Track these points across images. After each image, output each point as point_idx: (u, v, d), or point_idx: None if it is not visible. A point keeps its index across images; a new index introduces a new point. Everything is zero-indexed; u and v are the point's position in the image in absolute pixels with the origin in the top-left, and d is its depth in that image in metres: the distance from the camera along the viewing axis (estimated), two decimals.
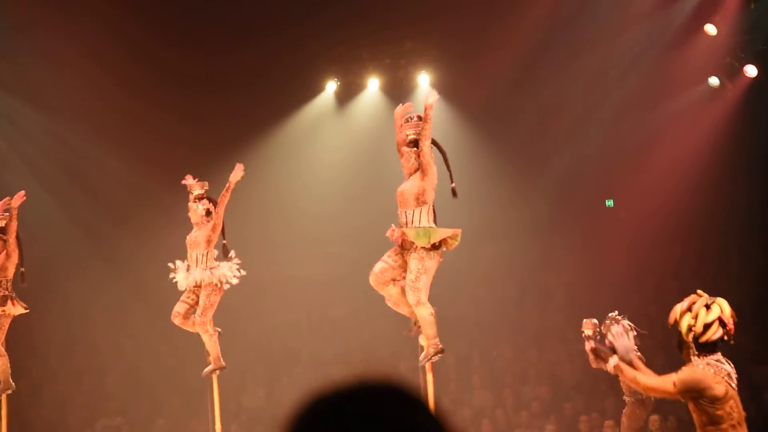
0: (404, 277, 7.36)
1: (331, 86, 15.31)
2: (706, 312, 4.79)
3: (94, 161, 14.27)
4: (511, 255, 14.68)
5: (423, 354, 7.50)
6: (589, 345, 4.84)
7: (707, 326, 4.77)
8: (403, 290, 7.45)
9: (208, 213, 8.74)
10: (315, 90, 15.32)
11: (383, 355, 13.57)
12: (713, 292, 5.11)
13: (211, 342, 8.70)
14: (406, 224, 7.25)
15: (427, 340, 7.38)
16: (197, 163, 12.97)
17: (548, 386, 12.26)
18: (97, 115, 13.78)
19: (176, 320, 8.72)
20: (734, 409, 4.67)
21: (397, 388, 1.79)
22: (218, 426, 8.75)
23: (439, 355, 7.41)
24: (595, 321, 9.07)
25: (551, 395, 12.19)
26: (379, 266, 7.54)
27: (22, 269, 8.72)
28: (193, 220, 8.78)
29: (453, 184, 7.28)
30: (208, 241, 8.68)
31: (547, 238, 14.70)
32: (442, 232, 7.18)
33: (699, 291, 4.95)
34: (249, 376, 13.67)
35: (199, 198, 8.77)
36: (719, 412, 4.64)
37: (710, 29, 12.34)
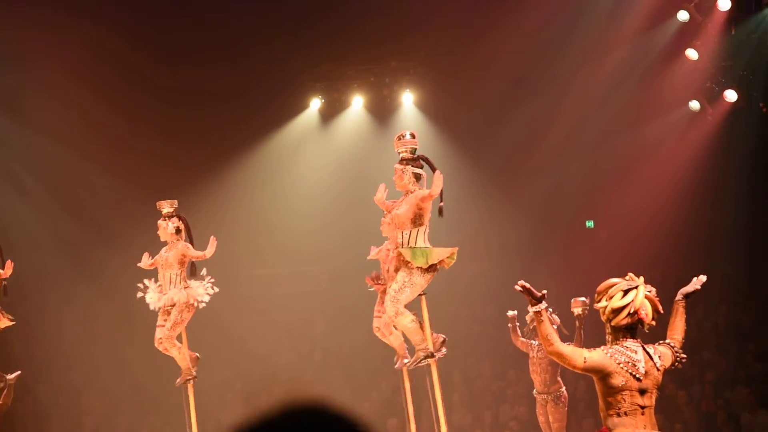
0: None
1: (316, 103, 15.34)
2: (621, 297, 4.84)
3: (78, 177, 14.23)
4: (492, 274, 14.72)
5: (413, 358, 7.51)
6: (521, 282, 4.85)
7: (616, 311, 4.83)
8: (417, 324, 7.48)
9: (178, 231, 8.75)
10: (299, 107, 15.35)
11: (363, 373, 13.57)
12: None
13: (180, 355, 8.76)
14: (402, 245, 7.26)
15: (416, 346, 7.40)
16: (181, 180, 13.01)
17: (526, 406, 12.28)
18: (82, 131, 13.75)
19: (161, 347, 8.74)
20: (625, 399, 4.75)
21: (322, 410, 1.82)
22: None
23: (429, 359, 7.41)
24: (584, 299, 9.12)
25: (529, 415, 12.20)
26: (376, 323, 7.78)
27: (5, 282, 8.69)
28: (162, 238, 8.77)
29: (441, 203, 7.31)
30: (181, 262, 8.70)
31: (528, 257, 14.76)
32: (440, 253, 7.20)
33: (630, 274, 4.99)
34: (228, 392, 13.62)
35: (169, 216, 8.76)
36: (610, 399, 4.78)
37: (691, 54, 12.48)
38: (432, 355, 7.40)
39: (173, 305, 8.62)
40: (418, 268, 7.19)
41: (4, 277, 8.65)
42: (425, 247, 7.20)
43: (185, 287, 8.67)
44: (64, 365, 13.94)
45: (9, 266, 8.70)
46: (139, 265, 8.81)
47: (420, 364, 7.49)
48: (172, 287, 8.64)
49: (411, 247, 7.20)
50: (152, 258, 8.80)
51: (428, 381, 7.62)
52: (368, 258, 8.34)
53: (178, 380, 8.86)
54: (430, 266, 7.23)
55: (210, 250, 8.69)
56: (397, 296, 7.24)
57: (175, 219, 8.77)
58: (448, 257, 7.24)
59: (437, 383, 7.52)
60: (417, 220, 7.22)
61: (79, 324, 14.25)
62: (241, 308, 14.76)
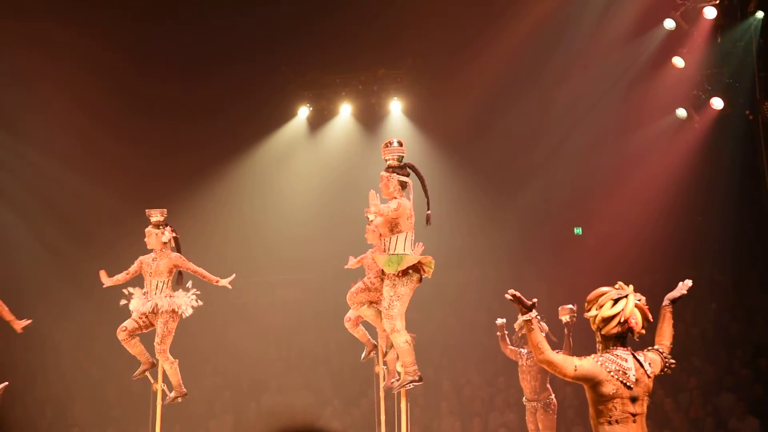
0: (381, 302, 7.36)
1: (304, 111, 15.35)
2: (611, 306, 4.87)
3: (67, 189, 14.19)
4: (481, 282, 14.74)
5: (399, 380, 7.46)
6: (512, 291, 4.85)
7: (606, 320, 4.85)
8: (379, 313, 7.47)
9: (170, 241, 8.78)
10: (288, 115, 15.36)
11: (352, 381, 13.54)
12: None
13: (171, 370, 8.74)
14: (385, 251, 7.26)
15: (404, 367, 7.33)
16: (170, 188, 12.99)
17: (515, 413, 12.28)
18: (69, 139, 13.73)
19: (121, 335, 8.65)
20: (616, 407, 4.77)
21: None
22: None
23: (415, 384, 7.34)
24: (571, 306, 9.13)
25: (518, 422, 12.20)
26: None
27: None
28: (151, 246, 8.73)
29: (429, 211, 7.28)
30: (170, 271, 8.71)
31: (517, 264, 14.79)
32: (410, 259, 7.15)
33: (620, 283, 5.01)
34: (217, 402, 13.57)
35: (159, 225, 8.74)
36: (601, 407, 4.79)
37: (678, 62, 12.54)
38: (420, 380, 7.34)
39: (155, 312, 8.62)
40: (398, 278, 7.15)
41: None
42: (399, 254, 7.15)
43: (169, 296, 8.68)
44: (52, 376, 13.88)
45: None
46: (107, 284, 8.70)
47: (406, 388, 7.43)
48: (157, 293, 8.64)
49: (387, 254, 7.19)
50: (111, 276, 8.73)
51: (395, 403, 7.60)
52: (345, 267, 8.36)
53: (170, 396, 8.79)
54: (412, 274, 7.19)
55: (225, 282, 8.77)
56: (390, 312, 7.18)
57: (169, 229, 8.76)
58: (424, 264, 7.20)
59: (405, 408, 7.47)
60: (394, 228, 7.19)
61: (67, 335, 14.20)
62: (229, 316, 14.73)
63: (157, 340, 8.62)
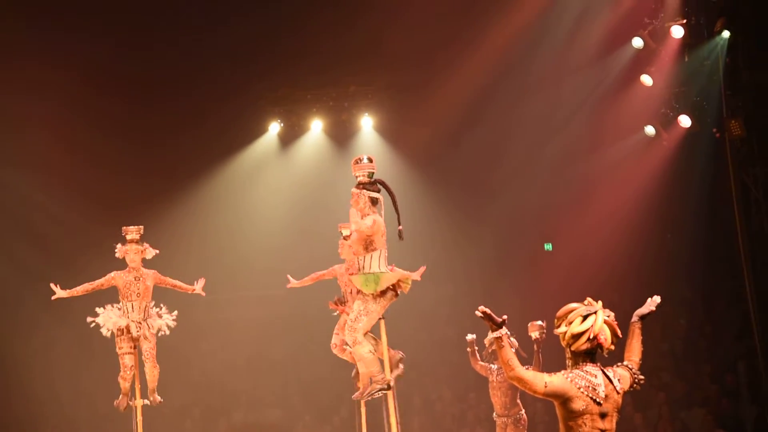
0: None
1: (275, 127, 15.34)
2: (580, 322, 4.89)
3: (35, 204, 14.05)
4: (453, 298, 14.77)
5: (367, 389, 7.44)
6: (482, 308, 4.85)
7: (575, 337, 4.88)
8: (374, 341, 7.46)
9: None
10: (258, 131, 15.34)
11: (325, 397, 13.50)
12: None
13: (155, 374, 8.77)
14: (359, 269, 7.23)
15: (372, 377, 7.32)
16: (141, 205, 12.89)
17: (486, 429, 12.29)
18: (41, 156, 13.63)
19: (130, 376, 8.68)
20: (586, 423, 4.80)
21: None
22: None
23: (384, 391, 7.33)
24: (540, 323, 9.16)
25: None
26: (334, 339, 7.84)
27: None
28: (131, 263, 8.67)
29: (400, 227, 7.28)
30: (152, 289, 8.73)
31: (489, 280, 14.83)
32: (389, 278, 7.13)
33: (589, 299, 5.05)
34: (187, 419, 13.47)
35: (135, 241, 8.69)
36: (570, 423, 4.81)
37: (646, 80, 12.67)
38: (388, 387, 7.34)
39: (142, 335, 8.62)
40: (371, 295, 7.17)
41: None
42: (377, 273, 7.14)
43: (157, 315, 8.73)
44: (23, 394, 13.71)
45: None
46: (62, 295, 8.61)
47: (374, 396, 7.43)
48: (144, 315, 8.64)
49: (363, 274, 7.19)
50: (65, 289, 8.65)
51: (384, 409, 7.56)
52: (287, 287, 8.36)
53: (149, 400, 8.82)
54: (385, 291, 7.19)
55: (198, 288, 8.83)
56: (354, 325, 7.19)
57: (147, 245, 8.72)
58: (403, 282, 7.20)
59: (394, 413, 7.44)
60: (369, 246, 7.18)
61: (37, 352, 14.04)
62: (200, 333, 14.63)
63: (149, 345, 8.67)
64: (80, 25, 13.60)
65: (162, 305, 8.89)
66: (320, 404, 13.50)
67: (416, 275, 7.34)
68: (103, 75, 13.79)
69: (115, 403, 8.81)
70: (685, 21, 12.02)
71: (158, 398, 8.83)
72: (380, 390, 7.32)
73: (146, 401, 8.76)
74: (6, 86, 12.95)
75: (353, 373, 8.34)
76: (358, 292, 7.26)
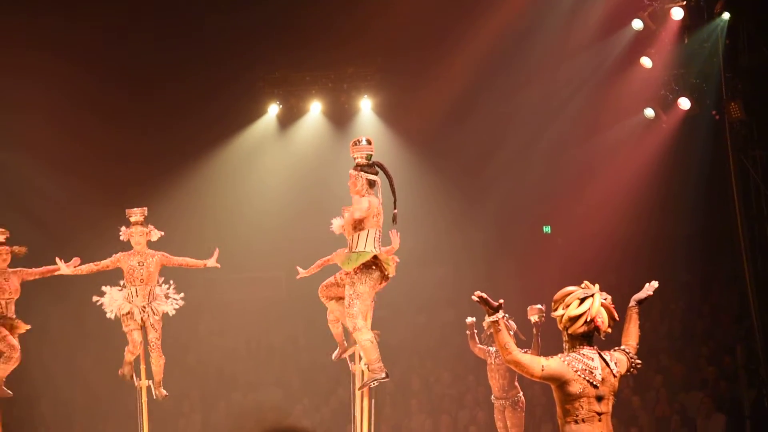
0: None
1: (274, 109, 15.30)
2: (577, 305, 4.90)
3: (35, 184, 14.00)
4: (452, 280, 14.78)
5: (365, 381, 7.46)
6: (478, 292, 4.86)
7: (572, 320, 4.89)
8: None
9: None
10: (257, 113, 15.30)
11: (322, 380, 13.53)
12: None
13: (160, 366, 8.80)
14: (350, 249, 7.26)
15: (369, 365, 7.32)
16: (139, 187, 12.88)
17: (485, 411, 12.34)
18: (41, 139, 13.57)
19: (138, 351, 8.68)
20: (583, 406, 4.82)
21: None
22: None
23: (381, 381, 7.33)
24: (540, 306, 9.18)
25: (487, 420, 12.26)
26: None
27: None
28: (136, 245, 8.64)
29: (395, 210, 7.29)
30: (158, 272, 8.70)
31: (487, 262, 14.85)
32: (365, 255, 7.14)
33: (586, 282, 5.05)
34: (185, 401, 13.50)
35: (139, 224, 8.66)
36: (567, 406, 4.84)
37: (646, 62, 12.63)
38: (386, 377, 7.33)
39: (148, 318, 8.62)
40: (357, 276, 7.16)
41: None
42: (359, 252, 7.15)
43: (164, 295, 8.71)
44: (17, 375, 13.70)
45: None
46: (66, 271, 8.59)
47: (370, 386, 7.44)
48: (150, 298, 8.60)
49: (346, 253, 7.19)
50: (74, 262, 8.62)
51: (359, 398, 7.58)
52: (297, 278, 8.36)
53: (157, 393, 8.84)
54: (372, 272, 7.17)
55: (212, 261, 8.75)
56: (350, 311, 7.20)
57: (152, 227, 8.68)
58: (385, 262, 7.18)
59: (369, 406, 7.45)
60: (357, 226, 7.19)
61: (32, 333, 14.02)
62: (198, 314, 14.66)
63: (155, 335, 8.62)
64: (79, 8, 13.54)
65: (171, 282, 8.82)
66: (318, 385, 13.53)
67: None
68: (102, 59, 13.75)
69: (119, 372, 8.84)
70: (685, 2, 11.96)
71: (164, 392, 8.82)
72: (376, 380, 7.31)
73: (150, 383, 8.78)
74: (6, 71, 12.91)
75: (334, 355, 8.29)
76: (347, 274, 7.27)
